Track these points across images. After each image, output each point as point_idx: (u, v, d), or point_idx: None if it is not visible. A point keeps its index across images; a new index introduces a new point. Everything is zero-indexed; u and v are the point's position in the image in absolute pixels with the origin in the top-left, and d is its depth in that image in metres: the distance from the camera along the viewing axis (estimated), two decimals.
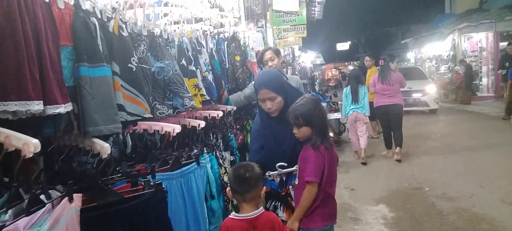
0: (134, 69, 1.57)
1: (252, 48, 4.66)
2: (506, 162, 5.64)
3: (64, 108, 1.20)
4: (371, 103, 6.38)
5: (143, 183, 1.36)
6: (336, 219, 2.29)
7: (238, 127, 3.27)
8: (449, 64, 15.43)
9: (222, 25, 3.83)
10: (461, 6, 17.11)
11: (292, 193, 2.27)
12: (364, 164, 6.07)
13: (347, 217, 4.06)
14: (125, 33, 1.57)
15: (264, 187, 1.98)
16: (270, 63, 3.40)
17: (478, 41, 14.61)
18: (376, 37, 36.19)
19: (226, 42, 3.26)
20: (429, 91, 11.14)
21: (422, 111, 11.38)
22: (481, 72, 14.57)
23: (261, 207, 1.89)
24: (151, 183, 1.37)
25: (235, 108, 3.13)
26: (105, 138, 1.43)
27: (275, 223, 1.84)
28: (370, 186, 5.09)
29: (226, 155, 2.47)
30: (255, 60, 4.26)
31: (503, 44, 13.82)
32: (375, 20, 36.29)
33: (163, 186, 1.38)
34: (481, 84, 14.49)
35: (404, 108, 9.20)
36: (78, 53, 1.31)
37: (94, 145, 1.26)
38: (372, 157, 6.63)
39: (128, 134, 1.78)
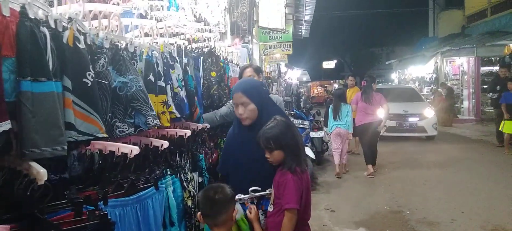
0: (89, 84, 1.43)
1: (237, 64, 4.57)
2: (486, 187, 5.64)
3: None
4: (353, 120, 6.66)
5: (87, 213, 1.21)
6: None
7: (212, 144, 3.14)
8: (432, 86, 15.70)
9: (204, 40, 3.73)
10: (444, 30, 17.54)
11: (261, 217, 2.13)
12: (338, 177, 6.45)
13: None
14: (81, 45, 1.44)
15: (236, 209, 1.90)
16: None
17: (460, 65, 14.94)
18: (361, 57, 36.83)
19: (202, 58, 3.14)
20: (427, 116, 9.98)
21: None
22: (462, 95, 14.84)
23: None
24: (97, 213, 1.22)
25: (208, 126, 3.00)
26: (50, 159, 1.29)
27: None
28: (351, 208, 5.00)
29: (195, 176, 2.33)
30: (238, 76, 4.16)
31: (485, 68, 14.19)
32: (360, 40, 37.02)
33: (109, 218, 1.24)
34: (462, 107, 14.74)
35: (398, 134, 9.76)
36: (21, 66, 1.17)
37: (31, 169, 1.12)
38: (354, 178, 6.57)
39: (80, 153, 1.63)
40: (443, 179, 6.25)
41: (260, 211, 2.16)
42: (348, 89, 8.38)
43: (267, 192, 2.08)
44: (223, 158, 2.40)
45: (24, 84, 1.16)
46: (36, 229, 1.09)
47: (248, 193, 2.06)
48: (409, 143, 9.36)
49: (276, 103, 2.52)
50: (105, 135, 1.49)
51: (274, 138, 1.96)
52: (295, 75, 22.66)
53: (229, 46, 4.99)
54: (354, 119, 6.64)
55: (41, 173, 1.10)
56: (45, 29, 1.30)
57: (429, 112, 10.05)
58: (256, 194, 2.09)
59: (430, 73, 16.32)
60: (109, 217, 1.25)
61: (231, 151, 2.29)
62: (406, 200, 5.18)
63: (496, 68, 12.83)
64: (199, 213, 1.88)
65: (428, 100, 15.45)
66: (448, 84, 14.13)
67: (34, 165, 1.13)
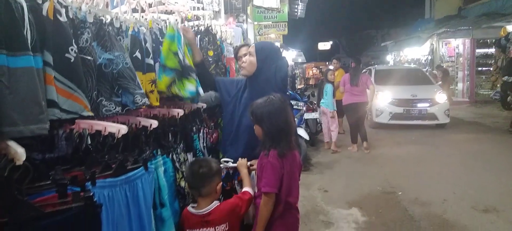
0: (72, 60, 1.36)
1: (231, 44, 4.47)
2: (478, 169, 5.69)
3: None
4: (339, 101, 7.29)
5: (72, 195, 1.16)
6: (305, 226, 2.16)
7: (212, 124, 3.09)
8: (427, 68, 15.67)
9: (197, 18, 3.63)
10: (440, 12, 17.36)
11: (237, 188, 2.23)
12: (333, 152, 6.95)
13: (319, 220, 3.97)
14: (62, 19, 1.36)
15: (221, 183, 2.01)
16: (244, 59, 3.23)
17: (456, 46, 14.89)
18: (356, 38, 36.62)
19: (199, 36, 3.06)
20: (438, 101, 8.89)
21: None
22: (457, 77, 14.85)
23: (215, 202, 1.93)
24: (81, 195, 1.17)
25: (204, 106, 2.94)
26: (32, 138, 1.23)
27: (231, 211, 1.93)
28: (344, 188, 5.02)
29: (189, 156, 2.28)
30: (233, 56, 4.08)
31: (480, 51, 14.15)
32: (356, 22, 36.64)
33: (95, 200, 1.18)
34: (457, 90, 14.78)
35: (406, 122, 8.83)
36: None
37: (8, 148, 1.05)
38: (347, 159, 6.59)
39: (64, 134, 1.56)
40: (436, 160, 6.30)
41: (236, 181, 2.27)
42: (336, 72, 8.47)
43: (232, 164, 2.20)
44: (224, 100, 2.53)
45: (0, 58, 1.09)
46: (16, 211, 1.04)
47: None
48: (400, 125, 9.06)
49: (277, 74, 2.47)
50: (91, 113, 1.42)
51: (256, 114, 1.97)
52: (290, 56, 22.46)
53: (223, 26, 4.88)
54: (340, 100, 7.25)
55: (19, 152, 1.04)
56: (22, 0, 1.21)
57: (441, 97, 8.98)
58: (229, 165, 2.21)
59: (425, 55, 16.27)
60: (95, 199, 1.19)
61: (229, 102, 2.45)
62: (399, 181, 5.21)
63: (491, 50, 12.81)
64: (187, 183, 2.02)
65: None
66: (444, 66, 14.10)
67: (12, 144, 1.06)
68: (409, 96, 8.98)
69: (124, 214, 1.49)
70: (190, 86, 2.20)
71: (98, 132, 1.58)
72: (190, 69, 2.22)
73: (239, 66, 2.37)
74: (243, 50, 3.46)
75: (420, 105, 8.90)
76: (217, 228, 1.89)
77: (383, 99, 9.03)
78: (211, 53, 3.27)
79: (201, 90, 2.32)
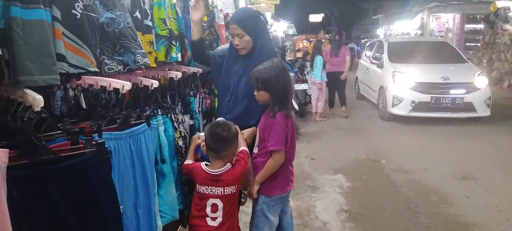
0: (78, 17, 1.41)
1: (221, 10, 4.48)
2: (458, 141, 5.92)
3: None
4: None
5: (84, 142, 1.26)
6: (293, 185, 2.32)
7: (205, 90, 3.17)
8: None
9: None
10: None
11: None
12: (319, 120, 7.37)
13: (306, 185, 4.15)
14: None
15: (237, 146, 2.05)
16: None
17: (446, 21, 15.00)
18: (348, 11, 36.31)
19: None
20: (478, 86, 6.71)
21: None
22: None
23: (228, 164, 1.98)
24: (93, 142, 1.27)
25: (200, 70, 3.01)
26: (44, 91, 1.31)
27: (241, 175, 2.00)
28: (330, 156, 5.22)
29: (186, 118, 2.38)
30: (223, 23, 4.10)
31: (469, 26, 14.30)
32: None
33: (106, 146, 1.28)
34: None
35: (434, 115, 6.65)
36: None
37: (26, 96, 1.13)
38: (334, 129, 6.79)
39: (70, 89, 1.64)
40: (418, 133, 6.50)
41: None
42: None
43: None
44: (220, 80, 2.49)
45: (14, 10, 1.14)
46: (35, 154, 1.13)
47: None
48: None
49: (269, 35, 2.55)
50: (96, 69, 1.49)
51: (263, 79, 2.03)
52: (281, 28, 22.24)
53: None
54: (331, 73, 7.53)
55: (37, 99, 1.12)
56: None
57: (481, 81, 6.77)
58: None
59: (415, 29, 16.37)
60: (106, 146, 1.29)
61: (227, 76, 2.40)
62: (383, 150, 5.43)
63: (480, 26, 12.95)
64: (202, 143, 2.05)
65: None
66: None
67: (29, 92, 1.14)
68: (439, 80, 6.73)
69: (128, 165, 1.59)
70: (173, 54, 2.29)
71: (103, 90, 1.66)
72: (173, 36, 2.27)
73: (229, 30, 2.33)
74: None
75: (454, 92, 6.62)
76: (227, 189, 1.96)
77: (402, 83, 6.87)
78: (205, 18, 3.30)
79: (179, 56, 2.37)
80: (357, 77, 10.14)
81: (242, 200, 3.59)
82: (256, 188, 2.13)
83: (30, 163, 1.12)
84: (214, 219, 1.97)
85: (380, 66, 8.01)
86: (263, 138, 2.11)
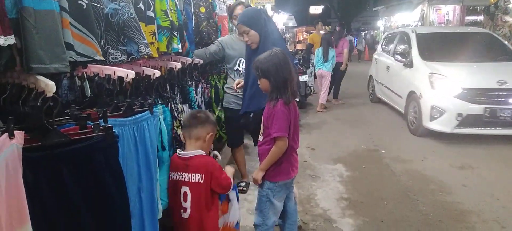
0: (84, 7, 1.46)
1: (224, 2, 4.51)
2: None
3: (4, 40, 1.11)
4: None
5: (92, 126, 1.32)
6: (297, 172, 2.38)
7: (203, 81, 3.23)
8: None
9: None
10: None
11: None
12: (319, 112, 7.49)
13: (306, 174, 4.22)
14: None
15: (211, 134, 2.09)
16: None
17: (446, 13, 14.97)
18: (348, 2, 36.13)
19: None
20: None
21: None
22: None
23: (200, 150, 2.01)
24: (101, 127, 1.32)
25: (200, 61, 3.07)
26: (52, 78, 1.36)
27: (209, 165, 1.99)
28: (330, 147, 5.28)
29: (185, 107, 2.44)
30: (226, 14, 4.14)
31: (469, 18, 14.28)
32: None
33: (114, 131, 1.34)
34: None
35: (488, 131, 5.03)
36: None
37: (38, 82, 1.19)
38: (334, 120, 6.85)
39: (76, 77, 1.69)
40: None
41: None
42: (314, 34, 9.04)
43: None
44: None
45: (26, 0, 1.19)
46: (47, 137, 1.19)
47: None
48: None
49: (274, 27, 2.77)
50: (102, 58, 1.55)
51: (262, 68, 2.10)
52: (281, 20, 22.20)
53: None
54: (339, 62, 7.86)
55: (49, 85, 1.18)
56: None
57: None
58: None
59: (415, 21, 16.33)
60: (115, 131, 1.35)
61: (248, 63, 2.81)
62: (383, 141, 5.49)
63: (480, 17, 12.94)
64: (181, 131, 2.12)
65: None
66: None
67: (42, 78, 1.20)
68: (494, 84, 5.05)
69: (132, 151, 1.65)
70: (174, 45, 2.35)
71: (107, 80, 1.72)
72: (174, 27, 2.35)
73: (238, 31, 2.65)
74: (238, 9, 3.54)
75: None
76: (194, 176, 1.97)
77: (444, 90, 5.28)
78: (203, 9, 3.34)
79: (180, 47, 2.48)
80: (371, 75, 8.48)
81: (244, 188, 3.69)
82: (261, 174, 2.19)
83: (42, 145, 1.18)
84: (185, 209, 1.98)
85: (409, 64, 6.20)
86: (267, 126, 2.17)
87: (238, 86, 2.65)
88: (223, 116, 3.57)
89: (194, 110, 2.15)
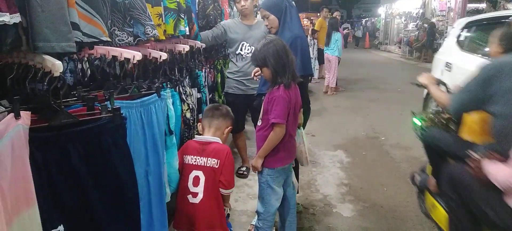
0: None
1: None
2: None
3: (9, 18, 1.09)
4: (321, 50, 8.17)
5: (100, 108, 1.31)
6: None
7: (208, 66, 3.21)
8: (418, 21, 15.70)
9: None
10: None
11: None
12: (331, 94, 7.83)
13: None
14: None
15: (230, 128, 2.17)
16: (242, 3, 3.28)
17: (447, 0, 14.85)
18: None
19: None
20: None
21: (388, 62, 10.36)
22: (446, 32, 14.95)
23: (218, 139, 2.07)
24: (109, 108, 1.32)
25: (204, 45, 3.04)
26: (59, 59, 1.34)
27: (227, 154, 2.05)
28: (331, 133, 5.29)
29: (193, 91, 2.43)
30: None
31: (471, 5, 14.17)
32: None
33: (121, 112, 1.33)
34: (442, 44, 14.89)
35: None
36: None
37: (45, 62, 1.17)
38: (334, 107, 6.85)
39: (85, 58, 1.67)
40: (418, 109, 6.56)
41: None
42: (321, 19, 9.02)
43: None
44: None
45: None
46: (55, 117, 1.18)
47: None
48: (386, 73, 9.12)
49: (295, 15, 2.78)
50: (109, 39, 1.53)
51: (260, 57, 2.10)
52: None
53: None
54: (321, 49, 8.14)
55: (56, 64, 1.16)
56: None
57: None
58: None
59: (417, 8, 16.23)
60: (123, 113, 1.34)
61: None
62: (382, 128, 5.51)
63: (482, 5, 12.85)
64: (199, 123, 2.16)
65: (412, 35, 15.31)
66: (432, 20, 14.16)
67: (48, 57, 1.18)
68: None
69: (139, 134, 1.65)
70: (181, 27, 2.32)
71: (114, 61, 1.70)
72: (181, 9, 2.33)
73: (260, 14, 2.73)
74: None
75: None
76: (209, 160, 2.01)
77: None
78: None
79: (187, 30, 2.46)
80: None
81: (245, 173, 3.71)
82: (260, 162, 2.20)
83: (51, 126, 1.17)
84: (194, 194, 1.99)
85: None
86: (266, 110, 2.16)
87: (256, 74, 2.61)
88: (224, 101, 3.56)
89: (213, 104, 2.21)
